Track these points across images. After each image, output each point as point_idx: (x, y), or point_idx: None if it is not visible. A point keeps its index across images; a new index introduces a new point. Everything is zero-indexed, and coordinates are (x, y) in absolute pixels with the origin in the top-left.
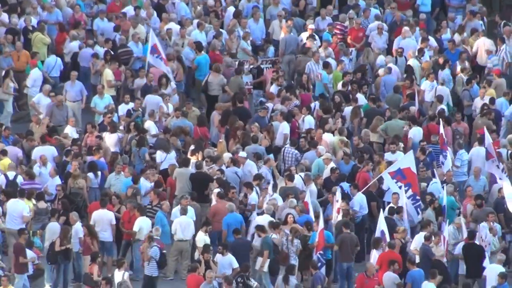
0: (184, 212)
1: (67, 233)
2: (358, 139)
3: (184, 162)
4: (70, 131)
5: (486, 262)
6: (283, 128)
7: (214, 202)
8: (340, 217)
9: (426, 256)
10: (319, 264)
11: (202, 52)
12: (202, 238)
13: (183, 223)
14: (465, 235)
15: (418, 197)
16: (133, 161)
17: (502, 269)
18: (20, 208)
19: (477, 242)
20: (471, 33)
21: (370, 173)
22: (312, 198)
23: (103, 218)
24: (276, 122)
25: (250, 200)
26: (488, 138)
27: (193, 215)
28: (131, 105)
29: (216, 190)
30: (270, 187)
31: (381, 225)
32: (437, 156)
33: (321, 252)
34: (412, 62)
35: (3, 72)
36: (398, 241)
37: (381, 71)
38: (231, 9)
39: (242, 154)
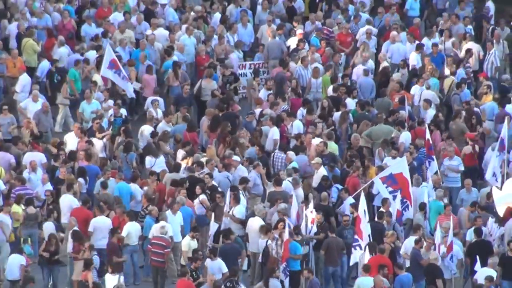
0: (163, 218)
1: (53, 240)
2: (323, 146)
3: (174, 167)
4: (72, 138)
5: (477, 266)
6: (273, 133)
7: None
8: (314, 228)
9: (415, 260)
10: (284, 275)
11: (172, 57)
12: (187, 243)
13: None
14: (449, 240)
15: (405, 201)
16: (121, 167)
17: (494, 273)
18: (67, 201)
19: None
20: (464, 38)
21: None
22: (299, 202)
23: (105, 225)
24: (266, 127)
25: None
26: (505, 127)
27: (181, 220)
28: (121, 110)
29: (202, 196)
30: (227, 198)
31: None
32: (421, 157)
33: (285, 263)
34: (384, 65)
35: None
36: (387, 245)
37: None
38: (217, 16)
39: (236, 158)
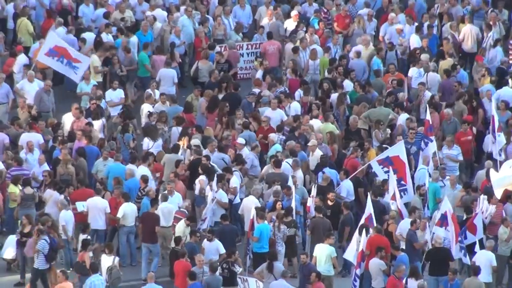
0: (164, 199)
1: (25, 219)
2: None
3: (173, 149)
4: (70, 119)
5: (476, 248)
6: (281, 115)
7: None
8: (313, 211)
9: (410, 242)
10: (248, 255)
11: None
12: (182, 230)
13: (164, 210)
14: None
15: (403, 182)
16: (119, 147)
17: (492, 256)
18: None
19: None
20: (462, 20)
21: (359, 159)
22: (299, 184)
23: (96, 206)
24: (263, 109)
25: (232, 183)
26: (494, 111)
27: (180, 201)
28: (119, 92)
29: (201, 177)
30: (214, 183)
31: (369, 208)
32: (419, 142)
33: (248, 244)
34: (360, 48)
35: None
36: (393, 225)
37: (351, 55)
38: None
39: (241, 140)
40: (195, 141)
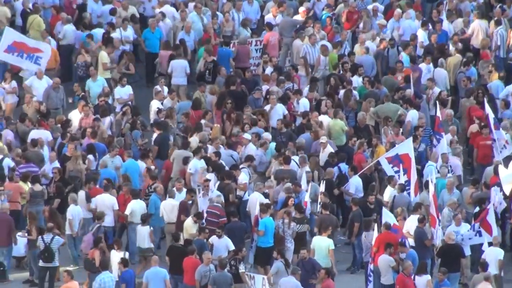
0: (172, 195)
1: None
2: (281, 124)
3: (183, 145)
4: (77, 116)
5: (485, 246)
6: (283, 109)
7: None
8: (319, 208)
9: (420, 239)
10: (250, 250)
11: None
12: (190, 225)
13: (167, 206)
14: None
15: (410, 183)
16: (130, 144)
17: (501, 253)
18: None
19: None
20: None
21: (366, 154)
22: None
23: (104, 203)
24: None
25: (241, 180)
26: (488, 109)
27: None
28: (127, 88)
29: (211, 175)
30: (212, 183)
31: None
32: (429, 138)
33: (254, 238)
34: (369, 44)
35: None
36: (401, 221)
37: (358, 51)
38: None
39: (247, 136)
40: (195, 139)
